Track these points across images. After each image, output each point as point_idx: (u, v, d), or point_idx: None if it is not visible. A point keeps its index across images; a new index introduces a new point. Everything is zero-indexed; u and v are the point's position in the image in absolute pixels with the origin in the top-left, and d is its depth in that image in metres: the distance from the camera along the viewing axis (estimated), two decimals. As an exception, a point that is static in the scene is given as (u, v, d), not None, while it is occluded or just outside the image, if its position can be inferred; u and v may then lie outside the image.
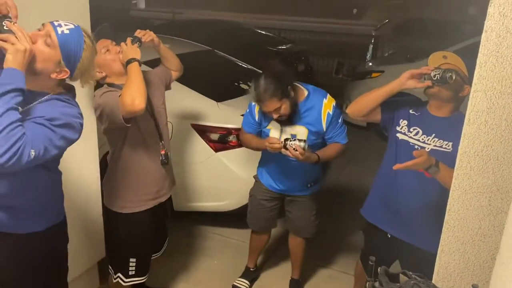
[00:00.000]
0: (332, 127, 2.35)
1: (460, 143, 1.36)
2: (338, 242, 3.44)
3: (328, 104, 2.34)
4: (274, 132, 2.39)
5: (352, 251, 3.34)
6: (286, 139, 2.21)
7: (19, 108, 1.34)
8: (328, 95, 2.39)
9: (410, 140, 2.04)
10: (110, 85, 2.04)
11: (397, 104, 2.15)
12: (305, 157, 2.20)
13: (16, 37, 1.37)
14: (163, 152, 2.18)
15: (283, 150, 2.21)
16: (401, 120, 2.11)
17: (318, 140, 2.40)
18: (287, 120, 2.30)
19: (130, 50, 1.96)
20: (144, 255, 2.30)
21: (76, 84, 1.64)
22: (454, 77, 1.86)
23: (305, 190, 2.55)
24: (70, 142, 1.51)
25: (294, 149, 2.17)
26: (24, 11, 2.11)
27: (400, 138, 2.09)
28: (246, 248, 3.01)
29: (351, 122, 5.78)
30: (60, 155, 1.58)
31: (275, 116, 2.25)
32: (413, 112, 2.08)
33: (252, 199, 2.71)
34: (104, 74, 2.04)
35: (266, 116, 2.38)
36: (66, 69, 1.49)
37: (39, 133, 1.38)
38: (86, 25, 2.35)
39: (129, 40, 2.01)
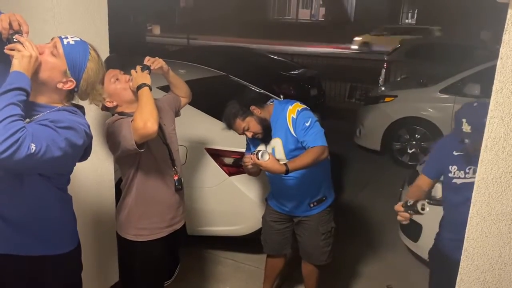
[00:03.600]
0: (300, 130, 2.30)
1: (477, 170, 1.35)
2: (354, 269, 3.38)
3: (292, 110, 2.35)
4: None
5: (368, 278, 3.28)
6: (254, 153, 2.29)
7: (21, 105, 1.36)
8: (297, 102, 2.39)
9: (473, 180, 1.97)
10: (121, 113, 2.05)
11: (435, 159, 2.12)
12: (270, 166, 2.19)
13: (23, 46, 1.44)
14: (176, 178, 2.18)
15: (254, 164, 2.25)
16: (450, 166, 2.00)
17: (298, 148, 2.36)
18: (264, 137, 2.40)
19: (140, 76, 1.99)
20: (158, 284, 2.28)
21: (87, 106, 1.68)
22: (426, 208, 1.83)
23: (308, 210, 2.53)
24: (74, 146, 1.48)
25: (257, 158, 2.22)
26: (46, 39, 2.19)
27: (459, 183, 1.99)
28: (259, 274, 2.98)
29: (365, 147, 5.80)
30: (66, 165, 1.54)
31: (249, 135, 2.37)
32: (458, 153, 1.95)
33: (264, 221, 2.73)
34: (115, 103, 2.05)
35: (252, 141, 2.49)
36: (71, 78, 1.52)
37: (42, 131, 1.39)
38: (105, 50, 2.42)
39: (138, 67, 2.04)
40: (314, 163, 2.26)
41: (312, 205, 2.51)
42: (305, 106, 2.37)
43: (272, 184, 2.60)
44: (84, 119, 1.59)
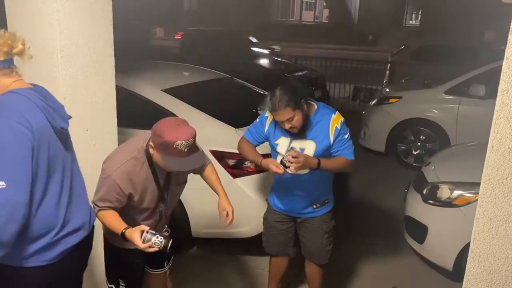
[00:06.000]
0: (339, 141, 2.38)
1: (484, 171, 1.35)
2: (359, 270, 3.37)
3: (336, 119, 2.39)
4: (281, 147, 2.44)
5: (373, 279, 3.27)
6: (281, 161, 2.29)
7: None
8: (338, 112, 2.43)
9: None
10: (149, 156, 1.97)
11: None
12: (304, 161, 2.24)
13: None
14: (166, 235, 2.08)
15: (287, 170, 2.26)
16: None
17: (325, 155, 2.41)
18: (298, 133, 2.36)
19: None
20: (132, 279, 2.30)
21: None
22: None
23: (311, 212, 2.54)
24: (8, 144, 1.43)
25: (290, 162, 2.24)
26: (51, 42, 2.20)
27: None
28: (264, 276, 2.97)
29: (369, 148, 5.78)
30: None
31: (287, 126, 2.30)
32: None
33: (265, 222, 2.73)
34: (154, 153, 1.91)
35: (276, 131, 2.45)
36: None
37: None
38: (110, 54, 2.44)
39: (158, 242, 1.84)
40: (339, 171, 2.39)
41: (315, 206, 2.53)
42: (343, 118, 2.43)
43: (278, 185, 2.60)
44: (25, 102, 1.53)
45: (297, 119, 2.29)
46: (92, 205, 1.95)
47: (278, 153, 2.45)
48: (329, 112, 2.42)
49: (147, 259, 2.32)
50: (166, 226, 2.17)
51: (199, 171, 2.30)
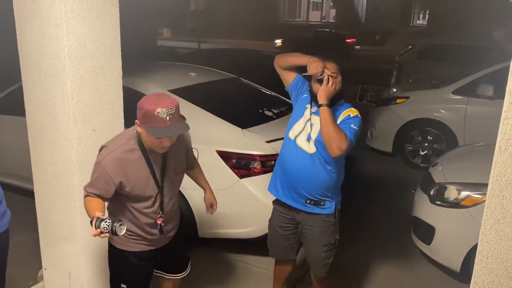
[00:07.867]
0: (344, 124, 2.36)
1: (491, 171, 1.34)
2: (366, 271, 3.36)
3: (352, 110, 2.43)
4: (299, 123, 2.47)
5: (380, 280, 3.26)
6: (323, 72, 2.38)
7: None
8: (357, 111, 2.46)
9: None
10: (140, 143, 1.99)
11: None
12: (334, 88, 2.36)
13: None
14: (159, 222, 2.13)
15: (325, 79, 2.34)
16: None
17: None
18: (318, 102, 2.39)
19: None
20: (135, 282, 2.28)
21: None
22: None
23: (304, 205, 2.47)
24: None
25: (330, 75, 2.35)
26: (58, 44, 2.22)
27: None
28: (269, 276, 2.97)
29: (377, 148, 5.77)
30: None
31: (330, 82, 2.36)
32: None
33: (270, 226, 2.71)
34: (141, 131, 1.92)
35: (306, 94, 2.51)
36: None
37: None
38: (117, 54, 2.45)
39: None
40: (331, 135, 2.28)
41: (308, 201, 2.46)
42: (359, 114, 2.45)
43: (276, 169, 2.58)
44: None
45: (338, 82, 2.38)
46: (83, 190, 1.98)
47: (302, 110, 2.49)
48: (348, 105, 2.48)
49: (156, 263, 2.30)
50: (161, 213, 2.13)
51: (189, 170, 2.37)
